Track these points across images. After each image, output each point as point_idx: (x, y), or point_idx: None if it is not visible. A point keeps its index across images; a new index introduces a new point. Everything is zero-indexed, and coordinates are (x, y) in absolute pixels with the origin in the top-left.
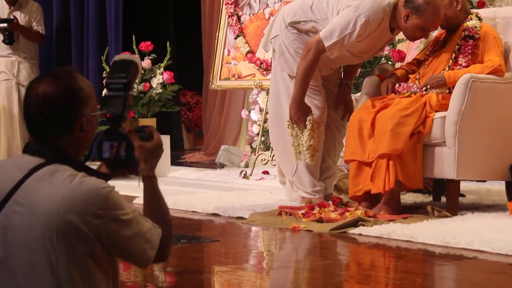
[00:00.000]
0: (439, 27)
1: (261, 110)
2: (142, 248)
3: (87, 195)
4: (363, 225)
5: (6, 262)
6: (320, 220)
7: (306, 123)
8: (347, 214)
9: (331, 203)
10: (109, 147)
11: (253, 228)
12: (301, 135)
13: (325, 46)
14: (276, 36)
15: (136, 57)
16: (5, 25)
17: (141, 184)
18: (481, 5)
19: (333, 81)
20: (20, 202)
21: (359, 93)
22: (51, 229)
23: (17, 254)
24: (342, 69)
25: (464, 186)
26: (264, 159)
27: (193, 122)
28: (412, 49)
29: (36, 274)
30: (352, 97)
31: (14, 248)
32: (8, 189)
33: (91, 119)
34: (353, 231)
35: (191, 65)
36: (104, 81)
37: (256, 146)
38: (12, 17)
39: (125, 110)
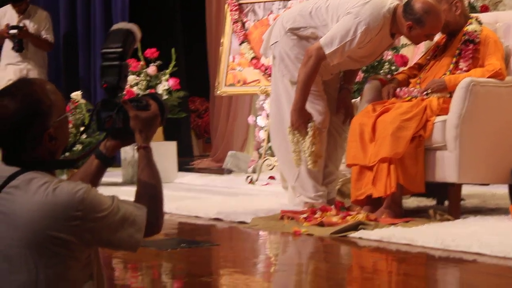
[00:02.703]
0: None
1: (268, 115)
2: (128, 233)
3: (62, 201)
4: (364, 229)
5: None
6: (321, 224)
7: (308, 129)
8: (348, 218)
9: (333, 207)
10: (105, 117)
11: (255, 233)
12: (302, 141)
13: (326, 53)
14: (276, 42)
15: (133, 25)
16: (15, 31)
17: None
18: (485, 9)
19: (333, 85)
20: None
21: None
22: (28, 238)
23: None
24: (342, 73)
25: (468, 190)
26: (270, 165)
27: (203, 129)
28: (416, 54)
29: (15, 279)
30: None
31: None
32: None
33: (60, 124)
34: (354, 235)
35: (200, 72)
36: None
37: (263, 151)
38: (21, 24)
39: (120, 79)
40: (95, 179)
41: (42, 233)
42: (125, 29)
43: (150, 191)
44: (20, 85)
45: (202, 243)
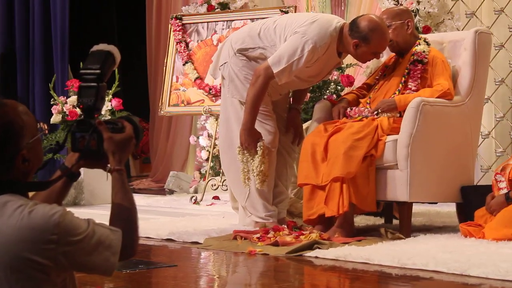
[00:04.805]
0: (388, 50)
1: (209, 135)
2: (103, 257)
3: (37, 224)
4: (319, 248)
5: None
6: (275, 244)
7: (257, 149)
8: (302, 237)
9: (286, 226)
10: (79, 138)
11: (209, 253)
12: (251, 161)
13: (274, 72)
14: (225, 63)
15: (113, 48)
16: None
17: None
18: (427, 30)
19: (282, 105)
20: None
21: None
22: (4, 261)
23: None
24: (291, 94)
25: (414, 208)
26: (214, 185)
27: (140, 149)
28: (359, 74)
29: None
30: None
31: None
32: None
33: (33, 145)
34: (309, 254)
35: (136, 92)
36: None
37: (206, 171)
38: None
39: (97, 101)
40: (60, 196)
41: (17, 257)
42: (105, 51)
43: (124, 214)
44: None
45: (159, 264)
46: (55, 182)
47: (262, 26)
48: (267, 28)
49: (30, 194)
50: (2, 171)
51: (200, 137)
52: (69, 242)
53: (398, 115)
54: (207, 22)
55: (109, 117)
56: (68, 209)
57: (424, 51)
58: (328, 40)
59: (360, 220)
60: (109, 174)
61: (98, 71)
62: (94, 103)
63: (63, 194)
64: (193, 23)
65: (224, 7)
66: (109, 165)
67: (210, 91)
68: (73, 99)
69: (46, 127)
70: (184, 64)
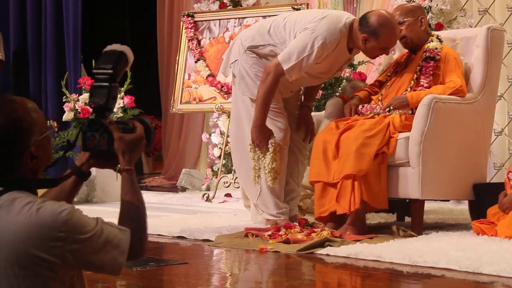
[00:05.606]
0: (401, 46)
1: (221, 133)
2: (111, 256)
3: (45, 221)
4: (330, 246)
5: None
6: (287, 241)
7: (268, 146)
8: (313, 235)
9: (297, 224)
10: (90, 137)
11: (220, 250)
12: (263, 158)
13: (284, 69)
14: (236, 61)
15: (126, 48)
16: None
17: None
18: (439, 27)
19: (293, 103)
20: None
21: (322, 112)
22: (11, 258)
23: None
24: (302, 91)
25: (426, 206)
26: (227, 182)
27: (152, 146)
28: (371, 71)
29: None
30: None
31: None
32: None
33: (41, 143)
34: (321, 251)
35: (148, 89)
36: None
37: (218, 169)
38: None
39: (108, 100)
40: (70, 194)
41: (25, 254)
42: (118, 51)
43: (133, 214)
44: (0, 104)
45: (170, 262)
46: (64, 180)
47: (272, 23)
48: (276, 25)
49: (41, 192)
50: (10, 168)
51: (212, 135)
52: (76, 240)
53: (410, 112)
54: (219, 19)
55: (121, 115)
56: (80, 206)
57: (436, 48)
58: (338, 36)
59: (372, 217)
60: (119, 174)
61: (110, 71)
62: (105, 102)
63: (73, 193)
64: (205, 20)
65: (236, 4)
66: (119, 165)
67: (222, 89)
68: (85, 96)
69: (56, 125)
70: (196, 62)
